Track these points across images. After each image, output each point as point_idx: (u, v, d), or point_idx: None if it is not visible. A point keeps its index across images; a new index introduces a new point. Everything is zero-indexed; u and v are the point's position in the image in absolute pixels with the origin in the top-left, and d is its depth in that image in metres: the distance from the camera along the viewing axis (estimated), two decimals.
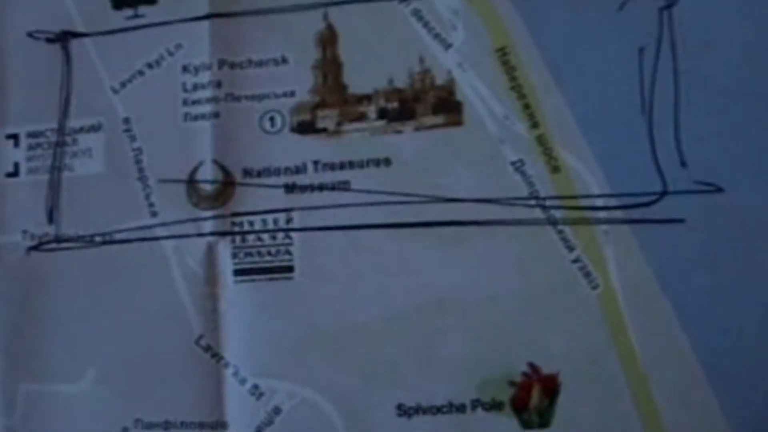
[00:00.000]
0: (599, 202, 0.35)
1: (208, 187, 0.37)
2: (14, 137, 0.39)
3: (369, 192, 0.36)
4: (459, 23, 0.36)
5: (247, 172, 0.37)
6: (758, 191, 0.34)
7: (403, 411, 0.35)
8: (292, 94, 0.37)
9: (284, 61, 0.37)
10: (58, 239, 0.38)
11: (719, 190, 0.34)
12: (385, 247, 0.36)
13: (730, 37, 0.35)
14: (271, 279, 0.36)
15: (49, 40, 0.39)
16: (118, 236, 0.37)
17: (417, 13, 0.36)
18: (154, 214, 0.37)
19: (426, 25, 0.36)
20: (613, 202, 0.35)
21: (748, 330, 0.34)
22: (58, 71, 0.39)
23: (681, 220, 0.34)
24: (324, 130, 0.37)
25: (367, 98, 0.36)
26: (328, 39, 0.37)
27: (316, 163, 0.36)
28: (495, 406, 0.35)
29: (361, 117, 0.36)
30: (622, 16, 0.36)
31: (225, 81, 0.37)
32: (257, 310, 0.36)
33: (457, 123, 0.36)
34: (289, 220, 0.36)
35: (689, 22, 0.35)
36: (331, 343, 0.36)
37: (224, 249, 0.36)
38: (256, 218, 0.36)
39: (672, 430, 0.34)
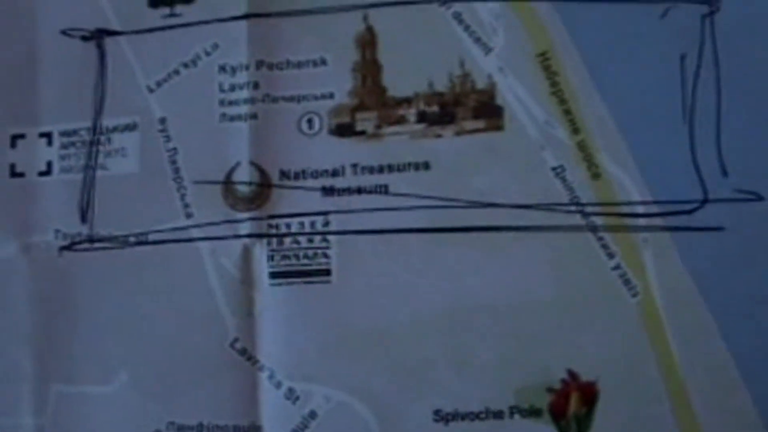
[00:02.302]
0: (639, 209, 0.36)
1: (244, 189, 0.38)
2: (47, 136, 0.40)
3: (407, 196, 0.37)
4: (500, 27, 0.37)
5: (284, 174, 0.38)
6: None
7: (440, 417, 0.36)
8: (331, 96, 0.38)
9: (323, 62, 0.38)
10: (91, 239, 0.39)
11: (759, 198, 0.36)
12: (423, 251, 0.37)
13: None
14: (307, 282, 0.37)
15: (83, 38, 0.40)
16: (152, 237, 0.38)
17: (458, 17, 0.38)
18: (189, 215, 0.38)
19: (467, 28, 0.38)
20: (653, 209, 0.36)
21: None
22: (93, 70, 0.40)
23: (721, 228, 0.36)
24: (363, 132, 0.38)
25: (407, 101, 0.37)
26: (367, 41, 0.38)
27: (354, 166, 0.37)
28: (533, 412, 0.36)
29: (401, 120, 0.37)
30: (664, 23, 0.37)
31: (262, 82, 0.38)
32: (293, 313, 0.37)
33: (498, 128, 0.37)
34: (326, 223, 0.37)
35: (732, 29, 0.36)
36: (368, 346, 0.37)
37: (260, 251, 0.38)
38: (293, 221, 0.38)
39: None
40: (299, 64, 0.38)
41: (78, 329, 0.39)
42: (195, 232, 0.38)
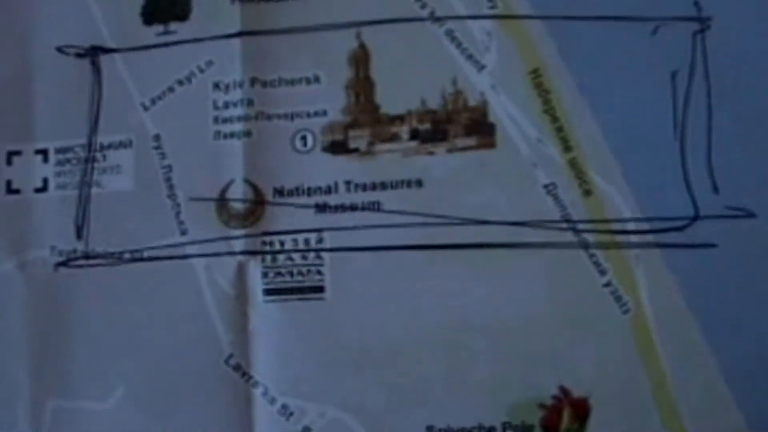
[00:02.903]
0: (631, 226, 0.37)
1: (238, 206, 0.38)
2: (43, 152, 0.40)
3: (400, 213, 0.38)
4: (492, 45, 0.38)
5: (278, 191, 0.38)
6: None
7: None
8: (324, 113, 0.38)
9: (316, 80, 0.39)
10: (87, 256, 0.39)
11: (751, 215, 0.36)
12: (416, 268, 0.37)
13: (764, 61, 0.37)
14: (301, 299, 0.38)
15: (78, 55, 0.40)
16: (147, 254, 0.39)
17: (450, 34, 0.38)
18: (183, 232, 0.39)
19: (459, 46, 0.38)
20: (644, 226, 0.37)
21: None
22: (88, 87, 0.40)
23: (713, 245, 0.36)
24: (356, 150, 0.38)
25: (400, 119, 0.38)
26: (360, 58, 0.38)
27: (347, 183, 0.38)
28: (525, 429, 0.36)
29: (393, 138, 0.38)
30: (655, 40, 0.37)
31: (256, 99, 0.39)
32: (287, 330, 0.38)
33: (490, 145, 0.37)
34: (320, 240, 0.38)
35: (723, 46, 0.37)
36: (361, 363, 0.37)
37: (255, 268, 0.38)
38: (287, 238, 0.38)
39: None
40: (293, 82, 0.39)
41: (74, 345, 0.39)
42: (190, 249, 0.39)
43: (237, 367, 0.38)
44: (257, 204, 0.38)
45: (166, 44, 0.40)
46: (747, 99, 0.37)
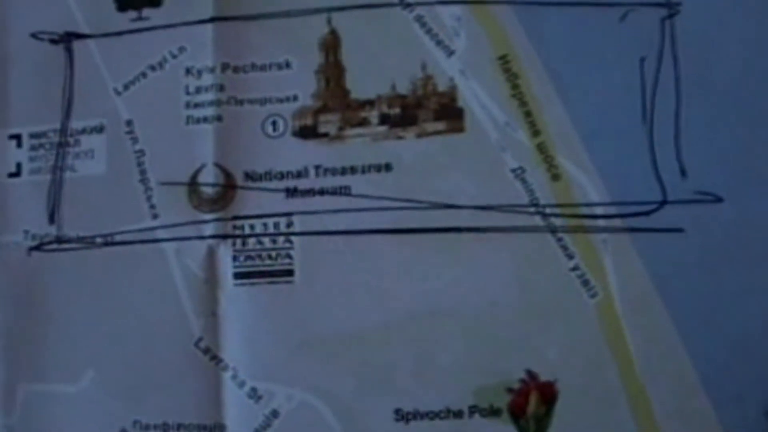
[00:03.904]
0: (599, 211, 0.37)
1: (209, 190, 0.39)
2: (17, 137, 0.41)
3: (369, 197, 0.38)
4: (461, 30, 0.39)
5: (248, 176, 0.39)
6: (757, 201, 0.37)
7: (401, 416, 0.37)
8: (295, 98, 0.39)
9: (287, 65, 0.39)
10: (59, 240, 0.40)
11: (719, 200, 0.37)
12: (385, 252, 0.38)
13: (732, 47, 0.38)
14: (271, 282, 0.38)
15: (52, 41, 0.41)
16: (119, 238, 0.40)
17: (420, 20, 0.39)
18: (155, 216, 0.39)
19: (429, 31, 0.39)
20: (612, 210, 0.37)
21: (746, 340, 0.36)
22: (61, 72, 0.41)
23: (680, 230, 0.37)
24: (326, 135, 0.39)
25: (370, 104, 0.39)
26: (331, 44, 0.39)
27: (317, 167, 0.39)
28: (492, 412, 0.37)
29: (363, 122, 0.39)
30: (623, 27, 0.38)
31: (228, 84, 0.39)
32: (257, 314, 0.38)
33: (459, 130, 0.38)
34: (289, 224, 0.39)
35: (691, 32, 0.38)
36: (330, 347, 0.38)
37: (225, 252, 0.39)
38: (257, 222, 0.39)
39: None
40: (264, 67, 0.39)
41: (46, 329, 0.40)
42: (161, 233, 0.39)
43: (206, 350, 0.39)
44: (228, 188, 0.39)
45: (139, 30, 0.41)
46: (715, 84, 0.37)
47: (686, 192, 0.37)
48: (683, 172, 0.37)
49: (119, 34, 0.41)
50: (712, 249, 0.37)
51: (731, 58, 0.37)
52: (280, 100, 0.39)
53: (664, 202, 0.37)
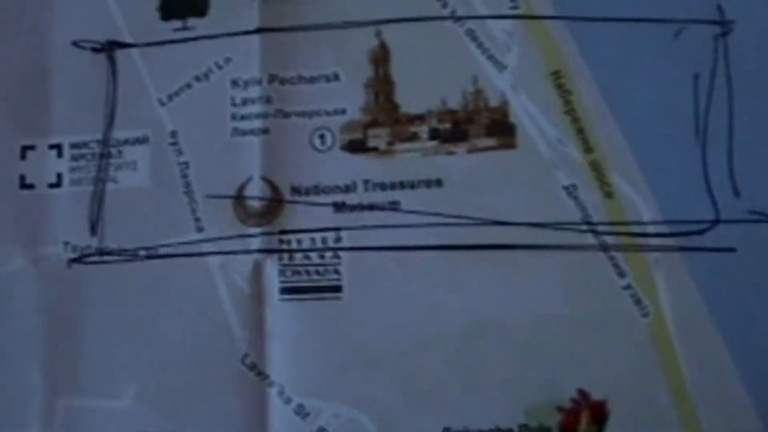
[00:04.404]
0: (651, 229, 0.37)
1: (255, 204, 0.39)
2: (57, 147, 0.41)
3: (419, 213, 0.38)
4: (514, 45, 0.38)
5: (295, 190, 0.39)
6: None
7: None
8: (343, 111, 0.39)
9: (336, 78, 0.39)
10: (101, 252, 0.40)
11: None
12: (434, 268, 0.38)
13: None
14: (318, 298, 0.38)
15: (95, 50, 0.41)
16: (162, 251, 0.39)
17: (471, 34, 0.39)
18: (200, 230, 0.39)
19: (480, 45, 0.39)
20: (665, 229, 0.37)
21: None
22: (104, 82, 0.41)
23: (732, 249, 0.37)
24: (375, 149, 0.39)
25: (420, 118, 0.38)
26: (380, 57, 0.39)
27: (366, 182, 0.38)
28: (542, 431, 0.37)
29: (413, 137, 0.38)
30: (677, 43, 0.38)
31: (275, 96, 0.39)
32: (304, 329, 0.38)
33: (511, 146, 0.38)
34: (337, 239, 0.38)
35: (744, 50, 0.38)
36: (378, 363, 0.38)
37: (271, 267, 0.38)
38: (305, 236, 0.39)
39: None
40: (312, 79, 0.39)
41: (87, 342, 0.40)
42: (206, 247, 0.39)
43: (252, 366, 0.38)
44: (274, 202, 0.39)
45: (183, 40, 0.40)
46: None
47: (739, 211, 0.37)
48: (736, 192, 0.37)
49: (163, 43, 0.40)
50: (764, 268, 0.37)
51: None
52: (328, 113, 0.39)
53: (716, 221, 0.37)
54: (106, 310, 0.40)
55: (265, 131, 0.39)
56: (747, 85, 0.37)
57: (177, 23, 0.40)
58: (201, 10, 0.40)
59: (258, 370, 0.38)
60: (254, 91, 0.39)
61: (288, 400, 0.38)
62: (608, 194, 0.38)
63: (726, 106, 0.38)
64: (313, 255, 0.39)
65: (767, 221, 0.37)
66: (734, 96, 0.37)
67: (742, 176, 0.37)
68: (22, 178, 0.41)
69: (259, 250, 0.39)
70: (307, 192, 0.39)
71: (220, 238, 0.39)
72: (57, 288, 0.40)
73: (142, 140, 0.40)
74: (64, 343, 0.40)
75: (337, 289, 0.38)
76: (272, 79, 0.39)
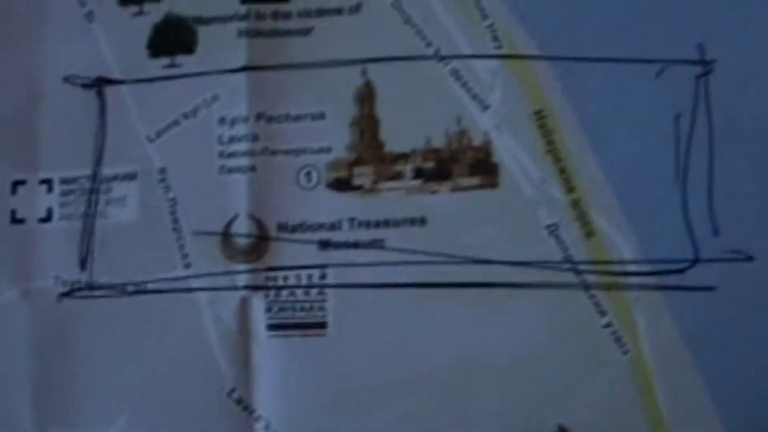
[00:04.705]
0: (632, 268, 0.38)
1: (242, 241, 0.39)
2: (48, 182, 0.42)
3: (403, 251, 0.39)
4: (497, 84, 0.39)
5: (282, 227, 0.39)
6: None
7: None
8: (329, 150, 0.40)
9: (321, 116, 0.40)
10: (90, 287, 0.41)
11: (750, 258, 0.37)
12: (419, 306, 0.39)
13: (766, 106, 0.38)
14: (304, 335, 0.39)
15: (85, 86, 0.41)
16: (150, 286, 0.40)
17: (455, 73, 0.39)
18: (187, 266, 0.40)
19: (464, 85, 0.39)
20: (645, 268, 0.38)
21: None
22: (94, 118, 0.41)
23: (712, 288, 0.37)
24: (360, 187, 0.39)
25: (404, 157, 0.39)
26: (366, 95, 0.40)
27: (351, 220, 0.39)
28: None
29: (397, 176, 0.39)
30: (659, 83, 0.38)
31: (262, 134, 0.40)
32: (290, 365, 0.39)
33: (493, 185, 0.39)
34: (323, 277, 0.39)
35: (725, 90, 0.38)
36: (364, 399, 0.39)
37: (258, 303, 0.39)
38: (291, 273, 0.39)
39: None
40: (298, 118, 0.40)
41: (77, 375, 0.41)
42: (193, 282, 0.40)
43: (239, 401, 0.39)
44: (261, 239, 0.40)
45: (172, 77, 0.41)
46: (748, 143, 0.38)
47: (718, 250, 0.38)
48: (716, 231, 0.38)
49: (152, 80, 0.41)
50: (744, 307, 0.37)
51: (765, 118, 0.38)
52: (314, 151, 0.40)
53: (696, 260, 0.38)
54: (95, 344, 0.40)
55: (252, 169, 0.40)
56: (727, 125, 0.38)
57: (165, 60, 0.41)
58: (189, 48, 0.41)
59: (244, 405, 0.39)
60: (241, 129, 0.40)
61: None
62: (589, 233, 0.38)
63: (706, 145, 0.38)
64: (299, 292, 0.39)
65: (747, 260, 0.37)
66: (714, 135, 0.38)
67: (721, 215, 0.38)
68: (13, 212, 0.42)
69: (246, 287, 0.40)
70: (294, 229, 0.40)
71: (207, 275, 0.40)
72: (47, 321, 0.41)
73: (131, 176, 0.41)
74: (55, 376, 0.41)
75: (323, 325, 0.39)
76: (259, 117, 0.40)
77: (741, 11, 0.39)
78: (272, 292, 0.39)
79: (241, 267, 0.40)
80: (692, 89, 0.38)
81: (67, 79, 0.42)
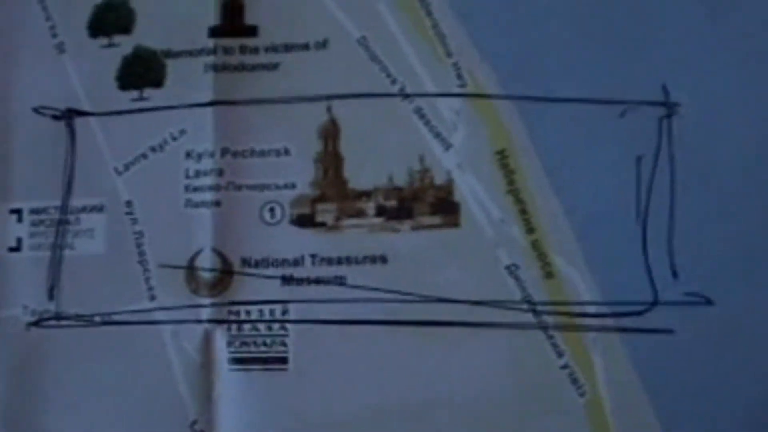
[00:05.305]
0: (590, 310, 0.39)
1: (206, 275, 0.40)
2: (18, 212, 0.42)
3: (364, 288, 0.39)
4: (460, 124, 0.40)
5: (245, 262, 0.40)
6: (748, 305, 0.38)
7: None
8: (293, 186, 0.40)
9: (286, 152, 0.40)
10: (58, 317, 0.41)
11: (709, 302, 0.38)
12: (379, 343, 0.39)
13: (729, 150, 0.39)
14: (265, 369, 0.40)
15: (54, 117, 0.42)
16: (116, 318, 0.41)
17: (419, 111, 0.40)
18: (152, 298, 0.41)
19: (427, 123, 0.40)
20: (604, 309, 0.38)
21: None
22: (63, 149, 0.42)
23: (670, 331, 0.38)
24: (323, 224, 0.40)
25: (367, 194, 0.40)
26: (330, 132, 0.40)
27: (313, 256, 0.40)
28: None
29: (360, 213, 0.40)
30: (622, 124, 0.39)
31: (227, 169, 0.41)
32: (252, 399, 0.40)
33: (454, 224, 0.39)
34: (285, 312, 0.40)
35: (688, 133, 0.39)
36: None
37: (220, 337, 0.40)
38: (253, 308, 0.40)
39: None
40: (263, 153, 0.41)
41: (43, 404, 0.41)
42: (158, 315, 0.41)
43: None
44: (225, 273, 0.40)
45: (140, 110, 0.42)
46: (710, 186, 0.38)
47: (677, 293, 0.38)
48: (675, 274, 0.38)
49: (120, 113, 0.42)
50: (702, 351, 0.38)
51: (727, 161, 0.38)
52: (279, 187, 0.40)
53: (655, 303, 0.38)
54: (62, 374, 0.41)
55: (217, 203, 0.41)
56: (689, 168, 0.38)
57: (134, 93, 0.42)
58: (157, 81, 0.42)
59: None
60: (207, 164, 0.41)
61: None
62: (549, 274, 0.39)
63: (668, 188, 0.39)
64: (261, 326, 0.40)
65: (705, 303, 0.38)
66: (676, 178, 0.39)
67: (681, 258, 0.38)
68: None
69: (209, 320, 0.40)
70: (257, 264, 0.40)
71: (171, 308, 0.41)
72: (16, 349, 0.42)
73: (98, 208, 0.42)
74: (21, 403, 0.42)
75: (284, 360, 0.40)
76: (225, 152, 0.41)
77: (706, 54, 0.39)
78: (234, 326, 0.40)
79: (205, 300, 0.40)
80: (655, 131, 0.39)
81: (36, 110, 0.42)
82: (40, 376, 0.42)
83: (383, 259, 0.40)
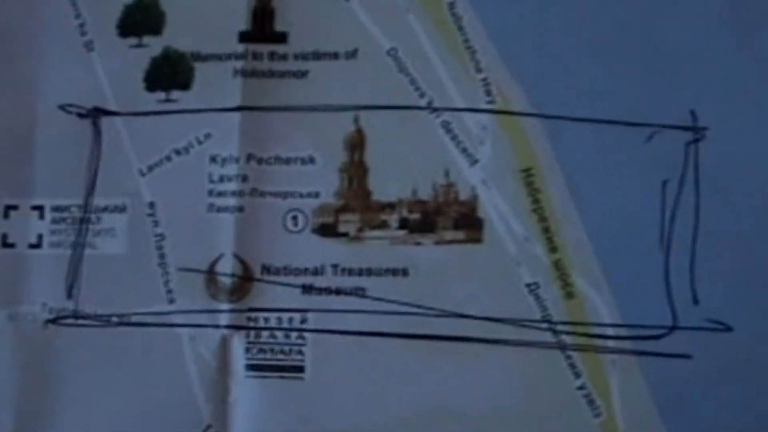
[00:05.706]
0: (609, 332, 0.39)
1: (226, 281, 0.40)
2: (40, 209, 0.42)
3: (384, 300, 0.40)
4: (487, 139, 0.40)
5: (266, 269, 0.40)
6: (767, 333, 0.38)
7: None
8: (317, 195, 0.40)
9: (311, 160, 0.41)
10: (76, 315, 0.42)
11: (728, 329, 0.38)
12: (396, 355, 0.40)
13: (755, 176, 0.39)
14: (281, 377, 0.40)
15: (80, 115, 0.42)
16: (134, 319, 0.41)
17: (446, 125, 0.40)
18: (171, 301, 0.41)
19: (454, 138, 0.40)
20: (623, 332, 0.39)
21: None
22: (87, 147, 0.42)
23: (688, 356, 0.38)
24: (345, 234, 0.40)
25: (390, 206, 0.40)
26: (356, 142, 0.40)
27: (334, 266, 0.40)
28: None
29: (383, 225, 0.40)
30: (648, 148, 0.39)
31: (251, 175, 0.41)
32: (266, 406, 0.40)
33: (477, 240, 0.39)
34: (303, 321, 0.40)
35: (714, 159, 0.39)
36: None
37: (238, 343, 0.40)
38: (272, 315, 0.40)
39: None
40: (288, 161, 0.41)
41: (58, 400, 0.42)
42: (176, 318, 0.41)
43: None
44: (245, 280, 0.40)
45: (166, 112, 0.42)
46: (734, 212, 0.39)
47: (697, 319, 0.38)
48: (695, 299, 0.38)
49: (147, 114, 0.42)
50: (719, 377, 0.38)
51: (753, 188, 0.39)
52: (302, 196, 0.41)
53: (674, 328, 0.38)
54: (78, 371, 0.42)
55: (240, 209, 0.41)
56: (714, 193, 0.39)
57: (161, 95, 0.42)
58: (185, 84, 0.42)
59: None
60: (231, 169, 0.41)
61: None
62: (569, 294, 0.39)
63: (692, 213, 0.39)
64: (279, 334, 0.40)
65: (724, 330, 0.38)
66: (701, 203, 0.39)
67: (702, 284, 0.39)
68: (4, 236, 0.43)
69: (227, 326, 0.41)
70: (277, 272, 0.41)
71: (190, 311, 0.41)
72: (33, 346, 0.42)
73: (120, 209, 0.42)
74: (36, 399, 0.42)
75: (300, 369, 0.40)
76: (250, 158, 0.41)
77: (734, 79, 0.39)
78: (252, 333, 0.40)
79: (224, 306, 0.41)
80: (682, 155, 0.39)
81: (63, 107, 0.43)
82: (55, 373, 0.42)
83: (404, 272, 0.40)
